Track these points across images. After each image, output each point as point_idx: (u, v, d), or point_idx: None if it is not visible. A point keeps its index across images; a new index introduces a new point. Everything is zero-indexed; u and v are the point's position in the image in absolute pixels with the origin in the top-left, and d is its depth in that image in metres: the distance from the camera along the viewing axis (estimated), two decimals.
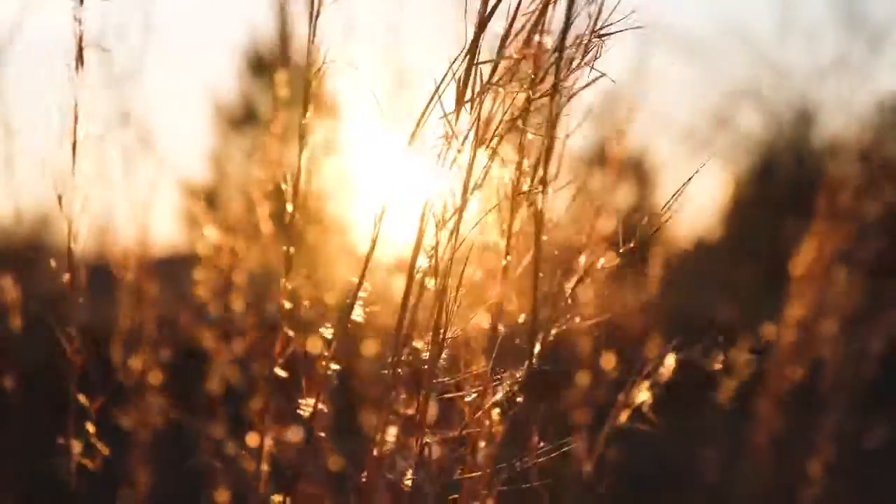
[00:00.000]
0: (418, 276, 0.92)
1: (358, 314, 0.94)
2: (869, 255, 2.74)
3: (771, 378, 2.48)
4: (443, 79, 0.91)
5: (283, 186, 1.05)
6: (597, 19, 0.92)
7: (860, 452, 2.64)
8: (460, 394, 0.94)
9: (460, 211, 0.93)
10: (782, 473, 2.52)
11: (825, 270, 2.51)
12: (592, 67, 0.94)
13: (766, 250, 2.54)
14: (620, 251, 0.99)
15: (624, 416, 1.11)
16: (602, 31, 0.92)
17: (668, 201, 0.97)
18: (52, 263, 1.20)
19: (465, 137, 0.92)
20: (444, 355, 0.93)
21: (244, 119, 12.16)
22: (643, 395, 1.11)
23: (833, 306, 2.61)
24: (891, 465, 3.27)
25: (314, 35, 0.99)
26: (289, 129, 1.68)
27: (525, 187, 1.00)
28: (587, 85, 0.95)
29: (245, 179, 10.79)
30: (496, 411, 0.98)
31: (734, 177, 9.96)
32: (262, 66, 11.70)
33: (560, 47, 0.94)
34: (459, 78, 0.91)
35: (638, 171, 9.19)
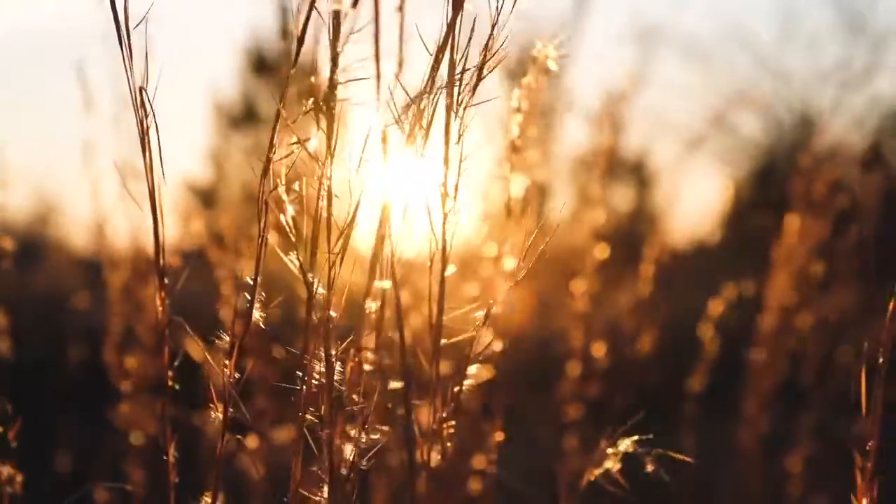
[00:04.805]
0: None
1: (256, 316, 0.93)
2: (867, 259, 2.74)
3: (759, 377, 2.48)
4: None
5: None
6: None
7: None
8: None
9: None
10: (770, 471, 2.52)
11: (821, 274, 2.51)
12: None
13: (765, 253, 2.54)
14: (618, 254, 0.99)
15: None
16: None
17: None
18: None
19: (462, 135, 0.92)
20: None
21: (244, 118, 12.17)
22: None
23: (831, 308, 2.61)
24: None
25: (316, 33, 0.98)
26: (289, 127, 1.68)
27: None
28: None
29: (244, 179, 10.80)
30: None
31: (734, 181, 9.98)
32: (263, 65, 11.70)
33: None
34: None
35: (638, 174, 9.21)
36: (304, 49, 0.93)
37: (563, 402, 2.09)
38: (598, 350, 2.13)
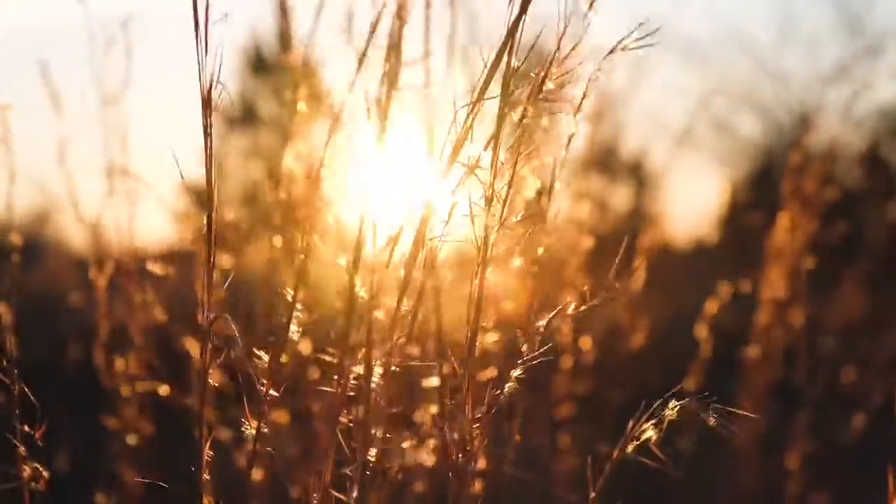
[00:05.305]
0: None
1: (294, 331, 0.92)
2: (866, 259, 2.74)
3: (756, 376, 2.48)
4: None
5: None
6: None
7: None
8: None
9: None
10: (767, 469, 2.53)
11: (819, 273, 2.51)
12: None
13: (762, 253, 2.55)
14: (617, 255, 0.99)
15: None
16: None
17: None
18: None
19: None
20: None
21: (242, 118, 12.14)
22: None
23: (826, 305, 2.62)
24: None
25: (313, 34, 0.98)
26: (286, 127, 1.68)
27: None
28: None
29: (243, 178, 10.79)
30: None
31: (733, 182, 9.97)
32: (261, 65, 11.69)
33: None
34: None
35: (636, 175, 9.19)
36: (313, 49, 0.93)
37: (558, 401, 2.09)
38: (593, 348, 2.13)
